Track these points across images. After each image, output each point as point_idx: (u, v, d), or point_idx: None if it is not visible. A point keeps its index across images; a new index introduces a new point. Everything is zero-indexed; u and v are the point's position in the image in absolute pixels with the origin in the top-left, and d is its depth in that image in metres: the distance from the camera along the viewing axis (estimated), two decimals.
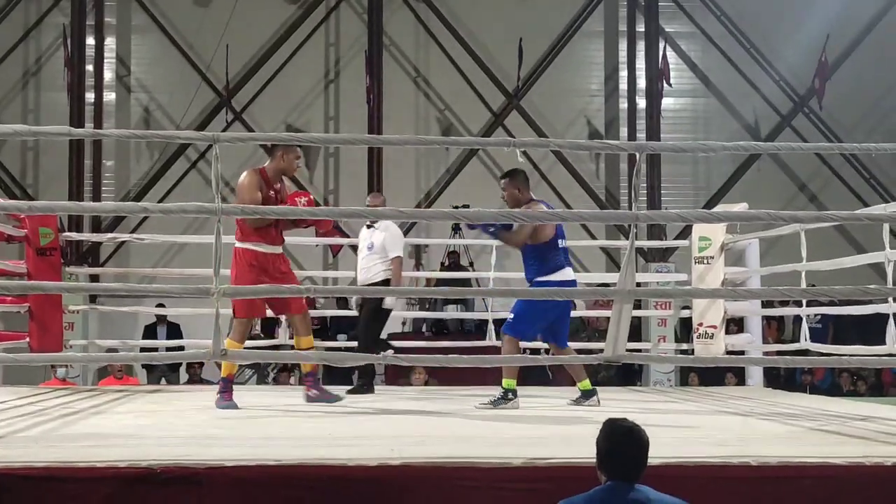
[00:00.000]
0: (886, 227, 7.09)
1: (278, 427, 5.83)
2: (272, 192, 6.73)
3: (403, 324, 15.46)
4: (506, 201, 6.94)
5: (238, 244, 6.74)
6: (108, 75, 16.63)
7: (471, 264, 14.94)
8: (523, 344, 8.97)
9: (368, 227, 8.73)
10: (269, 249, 6.77)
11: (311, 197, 6.82)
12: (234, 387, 6.92)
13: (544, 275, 6.82)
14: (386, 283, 8.42)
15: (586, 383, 7.08)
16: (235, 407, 6.64)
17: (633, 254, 4.97)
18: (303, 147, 16.29)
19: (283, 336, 9.36)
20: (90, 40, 16.41)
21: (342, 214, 10.35)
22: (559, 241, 6.89)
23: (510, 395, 6.75)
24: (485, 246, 8.96)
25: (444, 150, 16.57)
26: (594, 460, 3.46)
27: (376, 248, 8.55)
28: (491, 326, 9.33)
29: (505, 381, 6.77)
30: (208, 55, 16.24)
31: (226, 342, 6.89)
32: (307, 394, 7.03)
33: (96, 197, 16.01)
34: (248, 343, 11.03)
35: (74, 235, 11.89)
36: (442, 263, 15.04)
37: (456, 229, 14.69)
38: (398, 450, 4.42)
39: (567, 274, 6.89)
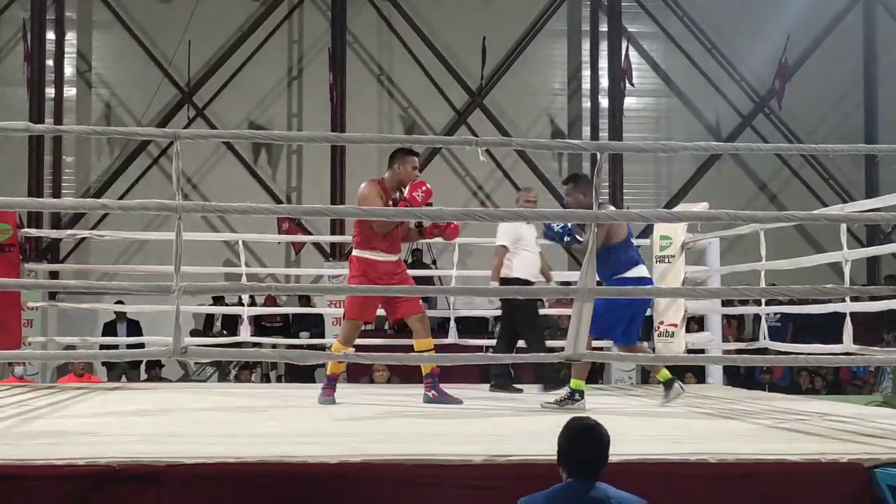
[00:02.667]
0: (844, 227, 7.16)
1: (239, 425, 5.81)
2: (390, 203, 6.69)
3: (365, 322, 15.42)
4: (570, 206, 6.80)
5: (355, 252, 6.78)
6: (69, 70, 16.50)
7: (433, 262, 14.95)
8: (485, 342, 8.99)
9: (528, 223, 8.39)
10: (384, 258, 6.75)
11: (428, 187, 6.65)
12: (195, 385, 6.91)
13: (621, 272, 6.57)
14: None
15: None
16: (333, 402, 6.82)
17: (594, 253, 5.00)
18: (266, 144, 16.43)
19: (244, 333, 9.31)
20: (51, 35, 16.27)
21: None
22: (630, 240, 6.74)
23: (577, 396, 6.51)
24: (447, 245, 8.94)
25: None
26: (555, 458, 3.48)
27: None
28: (453, 324, 9.33)
29: (573, 382, 6.53)
30: (170, 51, 16.14)
31: (334, 343, 7.17)
32: (426, 394, 6.84)
33: (56, 193, 15.87)
34: (210, 340, 11.01)
35: (33, 232, 11.77)
36: (405, 261, 15.01)
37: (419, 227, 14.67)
38: (359, 447, 4.42)
39: (641, 270, 6.70)
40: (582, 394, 6.52)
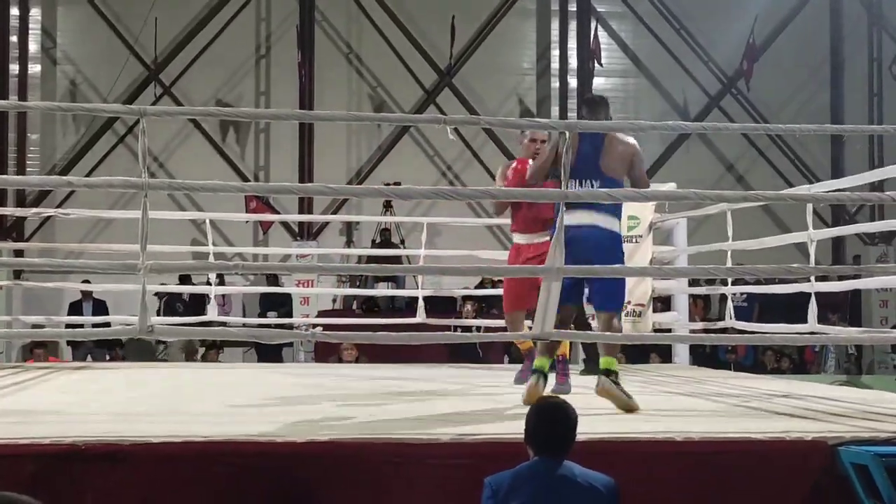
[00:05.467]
0: (810, 207, 7.21)
1: (206, 404, 5.79)
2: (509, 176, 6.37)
3: (334, 301, 15.43)
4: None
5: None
6: (34, 47, 16.30)
7: (402, 242, 14.94)
8: (454, 322, 8.95)
9: None
10: (524, 240, 6.43)
11: (519, 167, 6.24)
12: (162, 364, 6.84)
13: None
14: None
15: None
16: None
17: (561, 233, 4.99)
18: (233, 123, 16.33)
19: (212, 313, 9.26)
20: (14, 10, 16.07)
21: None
22: None
23: (542, 379, 5.63)
24: (416, 224, 8.93)
25: (375, 128, 16.52)
26: (522, 436, 3.49)
27: None
28: (421, 304, 9.32)
29: (538, 361, 5.65)
30: (137, 28, 15.98)
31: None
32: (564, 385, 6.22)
33: (20, 171, 15.69)
34: (178, 319, 10.95)
35: None
36: (373, 241, 15.02)
37: (387, 206, 14.67)
38: (327, 426, 4.42)
39: None
40: (546, 377, 5.61)
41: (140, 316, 4.70)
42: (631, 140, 5.65)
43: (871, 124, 16.23)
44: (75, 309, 13.53)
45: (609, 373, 5.35)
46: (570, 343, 6.44)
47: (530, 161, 6.15)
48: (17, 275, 12.62)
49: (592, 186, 5.39)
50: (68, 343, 13.89)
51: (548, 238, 5.84)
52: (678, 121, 16.08)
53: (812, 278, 7.09)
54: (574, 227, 5.33)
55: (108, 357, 12.90)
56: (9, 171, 15.41)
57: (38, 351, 10.88)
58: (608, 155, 5.53)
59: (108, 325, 9.91)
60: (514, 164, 6.41)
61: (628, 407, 5.18)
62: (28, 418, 4.74)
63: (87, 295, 13.74)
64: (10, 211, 12.85)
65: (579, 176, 5.47)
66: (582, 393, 6.04)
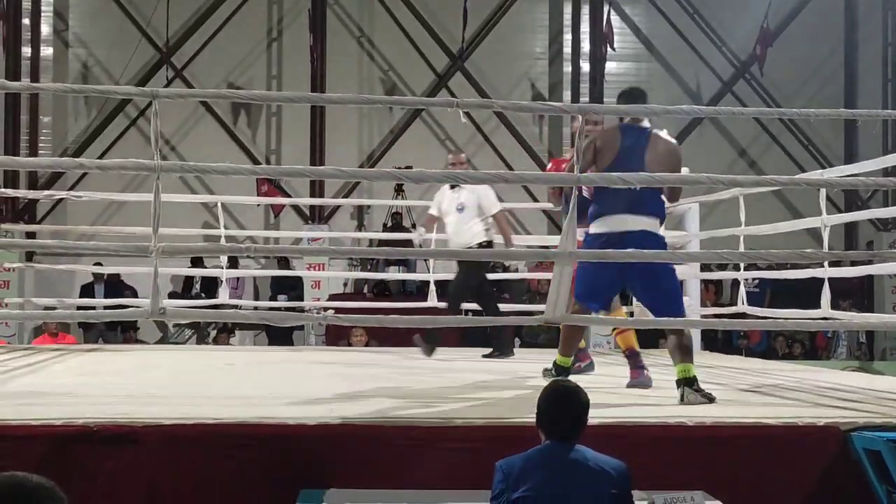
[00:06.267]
0: (823, 192, 7.18)
1: (217, 386, 5.80)
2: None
3: (345, 285, 15.43)
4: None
5: None
6: (46, 30, 16.29)
7: (413, 226, 14.93)
8: (464, 305, 8.95)
9: (452, 187, 8.09)
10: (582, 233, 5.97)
11: (563, 157, 6.25)
12: (173, 347, 6.83)
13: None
14: (489, 244, 8.05)
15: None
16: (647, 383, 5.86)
17: (574, 216, 4.94)
18: (245, 106, 16.31)
19: (223, 296, 9.27)
20: None
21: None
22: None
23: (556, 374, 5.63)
24: (427, 207, 8.90)
25: (387, 111, 16.49)
26: (534, 420, 3.48)
27: (469, 209, 8.00)
28: (432, 288, 9.31)
29: (559, 359, 5.71)
30: (149, 11, 15.96)
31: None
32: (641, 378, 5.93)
33: (33, 153, 15.71)
34: (189, 302, 10.97)
35: (10, 192, 11.68)
36: (384, 224, 15.00)
37: (399, 190, 14.65)
38: (338, 409, 4.41)
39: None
40: (567, 372, 5.61)
41: (152, 298, 4.69)
42: (673, 141, 5.58)
43: (884, 109, 16.13)
44: (87, 291, 13.56)
45: (688, 381, 5.10)
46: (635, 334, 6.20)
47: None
48: (30, 257, 12.66)
49: (635, 185, 5.20)
50: (80, 325, 13.93)
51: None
52: (691, 105, 16.05)
53: (825, 264, 7.06)
54: (618, 233, 5.30)
55: (121, 339, 12.94)
56: (21, 154, 15.41)
57: (49, 324, 10.87)
58: (652, 152, 5.42)
59: (120, 307, 9.94)
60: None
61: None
62: (40, 399, 4.76)
63: (98, 277, 13.79)
64: (22, 193, 12.87)
65: (621, 171, 5.27)
66: (593, 376, 6.04)
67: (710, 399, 5.02)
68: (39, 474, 2.14)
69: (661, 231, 5.52)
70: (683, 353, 5.21)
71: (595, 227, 5.45)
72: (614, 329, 6.26)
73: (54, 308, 10.55)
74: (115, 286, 13.98)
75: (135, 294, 13.22)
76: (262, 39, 16.57)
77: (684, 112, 6.37)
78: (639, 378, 5.88)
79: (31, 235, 13.38)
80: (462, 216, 8.04)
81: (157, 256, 4.68)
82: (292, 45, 16.38)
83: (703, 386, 5.13)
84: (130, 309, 7.38)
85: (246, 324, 13.92)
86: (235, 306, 9.68)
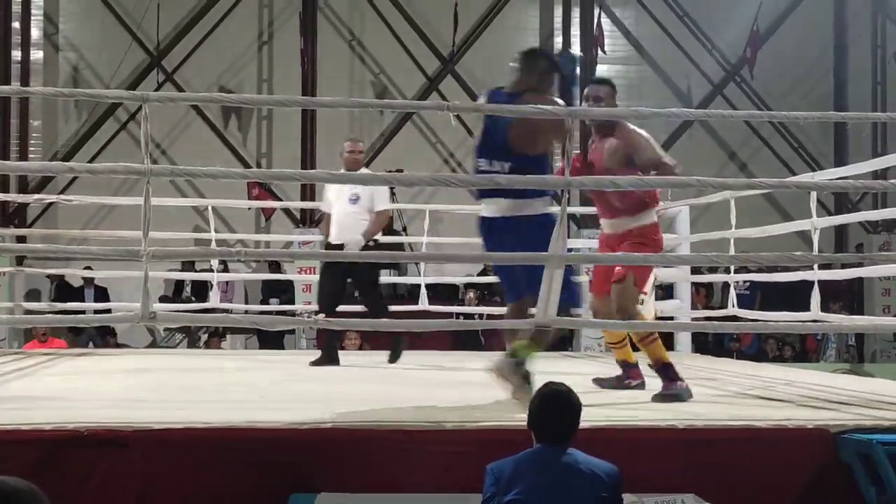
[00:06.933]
0: (814, 195, 7.19)
1: (208, 390, 5.80)
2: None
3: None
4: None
5: None
6: (36, 33, 16.24)
7: (404, 229, 14.92)
8: (456, 309, 8.97)
9: None
10: (606, 228, 5.86)
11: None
12: (164, 351, 6.81)
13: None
14: (377, 243, 7.74)
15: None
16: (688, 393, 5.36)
17: (565, 220, 4.88)
18: (236, 110, 16.29)
19: (214, 300, 9.25)
20: None
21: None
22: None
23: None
24: (418, 211, 8.91)
25: (378, 115, 16.48)
26: (525, 423, 3.49)
27: (363, 201, 7.59)
28: (423, 291, 9.32)
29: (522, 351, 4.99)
30: (139, 14, 15.94)
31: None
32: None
33: (23, 157, 15.63)
34: (179, 306, 10.94)
35: (0, 196, 11.64)
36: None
37: (391, 193, 14.64)
38: (329, 413, 4.42)
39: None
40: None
41: (142, 302, 4.66)
42: (560, 101, 5.10)
43: (873, 112, 16.18)
44: (77, 296, 13.53)
45: (515, 356, 4.81)
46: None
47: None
48: (20, 261, 12.63)
49: (495, 166, 4.93)
50: (69, 330, 13.89)
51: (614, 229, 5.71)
52: (681, 108, 16.07)
53: (815, 266, 7.08)
54: (489, 218, 5.06)
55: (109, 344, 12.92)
56: (11, 158, 15.36)
57: (37, 329, 10.83)
58: (518, 121, 4.97)
59: (109, 311, 9.91)
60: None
61: (518, 395, 4.63)
62: (31, 404, 4.75)
63: (88, 282, 13.77)
64: (12, 197, 12.81)
65: (486, 155, 5.05)
66: (583, 377, 6.04)
67: (522, 386, 4.67)
68: (30, 479, 2.13)
69: (544, 207, 5.06)
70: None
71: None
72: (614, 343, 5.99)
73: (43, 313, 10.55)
74: (105, 291, 13.96)
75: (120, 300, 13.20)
76: (252, 42, 16.55)
77: (674, 115, 6.40)
78: (670, 387, 5.38)
79: (21, 239, 13.32)
80: (354, 208, 7.62)
81: (148, 260, 4.65)
82: (283, 48, 16.36)
83: (695, 387, 5.14)
84: (121, 313, 7.34)
85: (237, 328, 13.90)
86: (226, 310, 9.65)
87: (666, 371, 5.46)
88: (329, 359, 7.60)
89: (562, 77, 5.38)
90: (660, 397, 5.24)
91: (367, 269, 7.71)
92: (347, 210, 7.63)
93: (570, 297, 5.00)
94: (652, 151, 5.55)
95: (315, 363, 7.55)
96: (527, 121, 4.91)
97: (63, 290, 14.12)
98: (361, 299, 7.98)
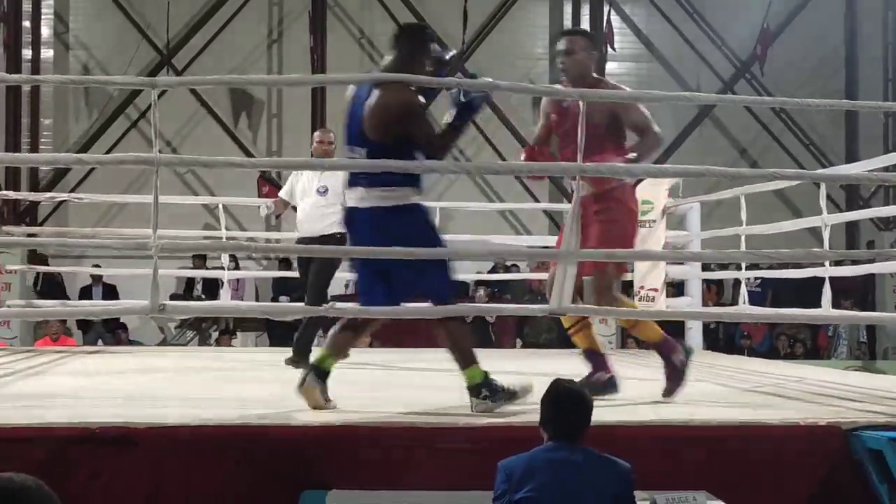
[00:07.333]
0: (824, 191, 7.17)
1: (219, 388, 5.80)
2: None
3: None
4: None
5: None
6: (46, 32, 16.30)
7: None
8: (468, 306, 8.90)
9: None
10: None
11: None
12: (174, 349, 6.78)
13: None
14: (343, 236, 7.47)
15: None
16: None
17: (577, 212, 4.71)
18: (245, 107, 16.31)
19: (225, 297, 9.26)
20: None
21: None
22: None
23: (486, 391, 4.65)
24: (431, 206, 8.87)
25: None
26: (537, 421, 3.48)
27: (332, 192, 7.19)
28: None
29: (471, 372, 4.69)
30: (149, 13, 15.99)
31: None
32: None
33: None
34: (189, 303, 10.95)
35: (11, 194, 11.67)
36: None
37: None
38: (340, 410, 4.41)
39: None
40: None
41: (152, 295, 4.59)
42: (406, 98, 4.69)
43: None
44: (85, 294, 13.57)
45: (473, 389, 4.56)
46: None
47: None
48: (31, 259, 12.65)
49: (356, 153, 4.68)
50: (79, 327, 13.92)
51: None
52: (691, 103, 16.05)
53: (827, 263, 7.05)
54: (349, 209, 4.76)
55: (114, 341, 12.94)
56: None
57: (49, 327, 10.85)
58: (368, 107, 4.68)
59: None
60: None
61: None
62: (42, 402, 4.76)
63: (97, 279, 13.80)
64: (23, 195, 12.85)
65: (348, 141, 4.78)
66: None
67: (510, 395, 4.51)
68: (39, 477, 2.13)
69: (407, 198, 4.71)
70: (461, 356, 4.66)
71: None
72: (570, 327, 5.38)
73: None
74: (114, 288, 13.99)
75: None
76: (262, 41, 16.57)
77: (687, 99, 6.36)
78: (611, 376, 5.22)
79: (32, 237, 13.34)
80: (323, 199, 7.32)
81: (157, 253, 4.57)
82: (293, 46, 16.38)
83: (707, 385, 5.11)
84: (130, 305, 7.31)
85: (248, 325, 13.91)
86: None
87: (665, 346, 5.19)
88: (303, 358, 7.12)
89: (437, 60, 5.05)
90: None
91: (319, 264, 7.28)
92: (317, 202, 7.39)
93: (441, 291, 4.79)
94: (641, 113, 5.24)
95: (290, 361, 7.18)
96: (377, 107, 4.62)
97: (52, 287, 14.09)
98: (309, 291, 7.47)
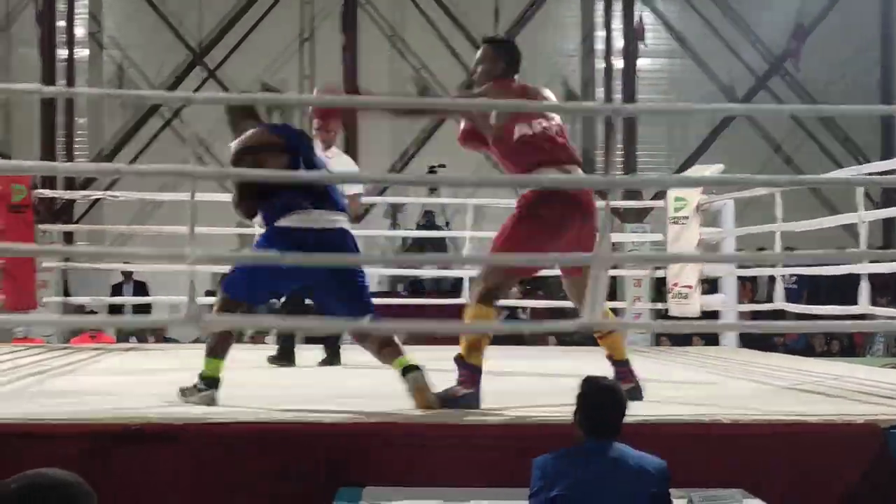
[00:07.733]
0: (861, 189, 7.10)
1: (255, 385, 5.83)
2: None
3: (379, 283, 15.45)
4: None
5: None
6: (80, 31, 16.45)
7: (447, 223, 14.92)
8: (501, 302, 8.87)
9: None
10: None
11: None
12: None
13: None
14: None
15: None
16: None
17: (608, 220, 4.77)
18: (279, 106, 16.34)
19: None
20: None
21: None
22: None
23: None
24: (461, 205, 8.89)
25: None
26: (570, 418, 3.47)
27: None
28: (466, 284, 9.30)
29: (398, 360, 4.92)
30: (182, 12, 16.09)
31: None
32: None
33: (69, 154, 15.88)
34: None
35: (48, 193, 11.76)
36: (417, 223, 15.01)
37: (432, 188, 14.66)
38: (374, 408, 4.43)
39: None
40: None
41: (189, 304, 4.60)
42: None
43: None
44: (116, 291, 13.67)
45: (407, 369, 4.73)
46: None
47: None
48: (67, 257, 12.77)
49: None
50: None
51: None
52: (724, 102, 15.97)
53: (864, 260, 6.99)
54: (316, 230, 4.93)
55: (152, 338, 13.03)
56: (58, 155, 15.58)
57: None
58: None
59: (148, 306, 9.93)
60: None
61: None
62: (80, 398, 4.80)
63: (127, 276, 13.88)
64: (59, 194, 12.94)
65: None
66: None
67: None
68: (78, 473, 2.15)
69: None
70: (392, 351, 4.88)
71: (287, 221, 4.97)
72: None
73: (87, 307, 10.66)
74: (144, 285, 14.08)
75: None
76: (294, 39, 16.64)
77: (718, 111, 6.32)
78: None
79: (68, 235, 13.48)
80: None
81: (193, 265, 4.57)
82: (324, 44, 16.44)
83: (742, 382, 5.07)
84: (167, 316, 7.38)
85: None
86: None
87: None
88: (286, 358, 7.20)
89: None
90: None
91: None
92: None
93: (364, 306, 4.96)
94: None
95: (274, 360, 7.18)
96: None
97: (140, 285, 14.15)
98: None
